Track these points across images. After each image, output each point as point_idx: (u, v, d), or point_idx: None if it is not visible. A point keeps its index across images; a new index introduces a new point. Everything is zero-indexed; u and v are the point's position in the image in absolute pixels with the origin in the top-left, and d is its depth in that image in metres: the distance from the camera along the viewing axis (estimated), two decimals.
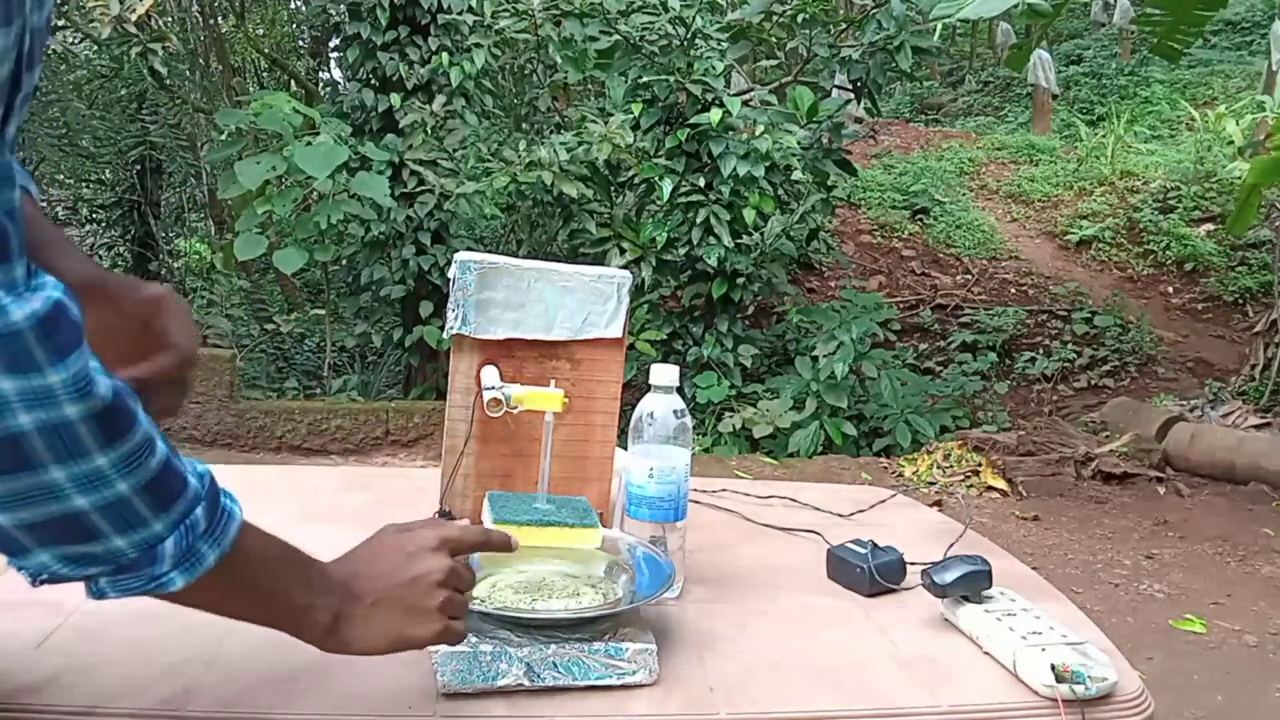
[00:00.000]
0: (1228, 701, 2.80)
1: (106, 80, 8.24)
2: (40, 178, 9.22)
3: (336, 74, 9.43)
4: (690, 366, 5.72)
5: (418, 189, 5.58)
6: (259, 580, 0.75)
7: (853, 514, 1.43)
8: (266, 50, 10.87)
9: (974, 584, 1.02)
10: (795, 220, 6.28)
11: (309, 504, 1.35)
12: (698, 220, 5.59)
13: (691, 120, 5.53)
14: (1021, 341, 7.42)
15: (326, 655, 0.81)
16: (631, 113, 5.76)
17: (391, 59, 5.68)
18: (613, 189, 6.30)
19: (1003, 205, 10.05)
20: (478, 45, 5.62)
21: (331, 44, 8.25)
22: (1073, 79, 13.83)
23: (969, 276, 8.49)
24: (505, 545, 0.89)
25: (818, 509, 1.43)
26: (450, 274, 1.15)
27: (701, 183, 5.66)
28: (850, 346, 5.41)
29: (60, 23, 6.77)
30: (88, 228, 9.66)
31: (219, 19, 9.99)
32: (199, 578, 0.68)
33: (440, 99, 5.62)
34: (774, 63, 7.72)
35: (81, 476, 0.61)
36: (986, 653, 0.97)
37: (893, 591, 1.12)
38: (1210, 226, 8.84)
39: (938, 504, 4.14)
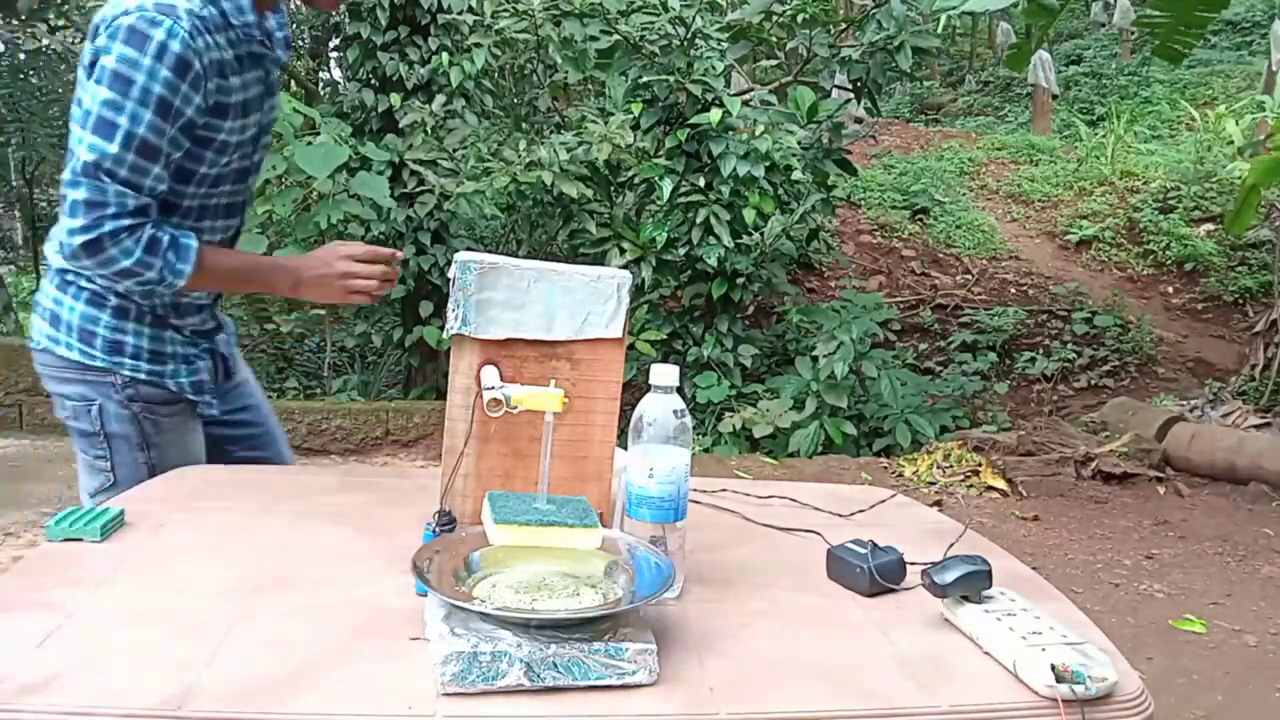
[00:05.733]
0: (1228, 701, 2.79)
1: None
2: (40, 177, 9.21)
3: (336, 74, 9.43)
4: (690, 366, 5.71)
5: (418, 189, 5.58)
6: (231, 274, 1.57)
7: (853, 514, 1.43)
8: None
9: (974, 584, 1.02)
10: (795, 220, 6.28)
11: (309, 504, 1.35)
12: (698, 220, 5.58)
13: (691, 120, 5.53)
14: (1021, 341, 7.42)
15: (326, 655, 0.82)
16: (631, 113, 5.76)
17: (391, 59, 5.68)
18: (613, 189, 6.29)
19: (1003, 205, 10.05)
20: (478, 45, 5.62)
21: (331, 44, 8.25)
22: (1073, 79, 13.84)
23: (969, 276, 8.49)
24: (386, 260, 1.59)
25: (818, 509, 1.43)
26: (450, 274, 1.15)
27: (701, 183, 5.65)
28: (850, 346, 5.41)
29: (60, 23, 6.78)
30: None
31: None
32: (190, 278, 1.45)
33: (440, 99, 5.62)
34: (774, 63, 7.72)
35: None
36: (986, 653, 0.97)
37: (893, 591, 1.12)
38: (1210, 226, 8.84)
39: (938, 504, 4.14)
